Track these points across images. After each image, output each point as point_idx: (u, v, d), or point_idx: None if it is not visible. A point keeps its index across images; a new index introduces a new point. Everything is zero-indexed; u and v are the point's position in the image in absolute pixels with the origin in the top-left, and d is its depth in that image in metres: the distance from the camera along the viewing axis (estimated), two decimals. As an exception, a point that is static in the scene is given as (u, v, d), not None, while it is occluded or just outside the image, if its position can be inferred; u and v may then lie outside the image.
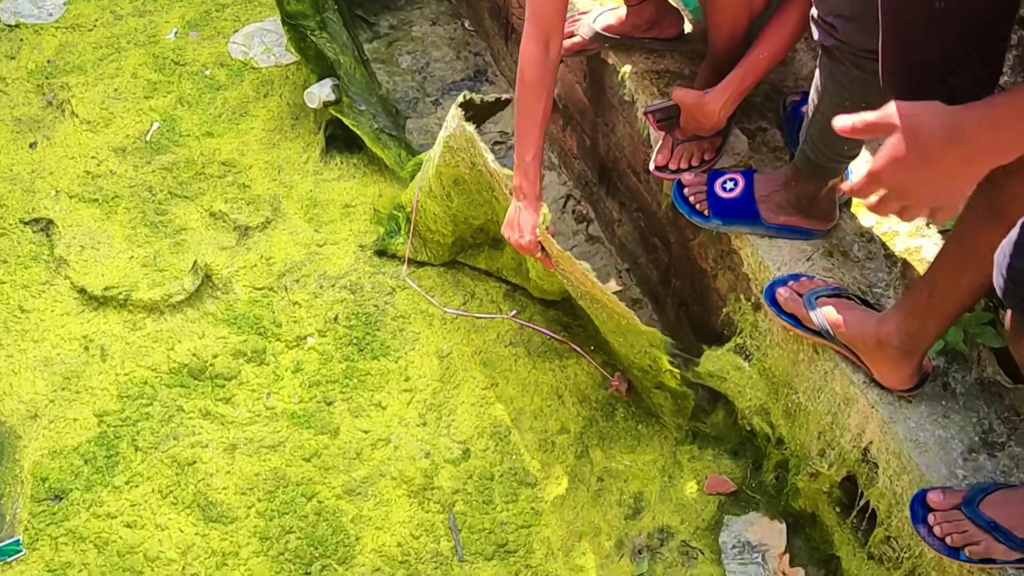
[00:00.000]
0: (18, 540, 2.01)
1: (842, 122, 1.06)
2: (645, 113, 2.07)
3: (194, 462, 2.13)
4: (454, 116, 2.18)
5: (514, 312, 2.40)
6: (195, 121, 2.92)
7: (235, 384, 2.27)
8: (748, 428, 2.03)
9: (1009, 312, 1.29)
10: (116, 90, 3.00)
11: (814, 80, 1.64)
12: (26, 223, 2.64)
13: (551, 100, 2.00)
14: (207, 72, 3.06)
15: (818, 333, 1.70)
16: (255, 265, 2.52)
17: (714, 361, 2.02)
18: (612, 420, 2.22)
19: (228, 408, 2.23)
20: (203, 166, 2.78)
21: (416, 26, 3.35)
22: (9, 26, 3.22)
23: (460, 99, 2.19)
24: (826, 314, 1.67)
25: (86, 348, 2.34)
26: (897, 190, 1.05)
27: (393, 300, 2.44)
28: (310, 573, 1.98)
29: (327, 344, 2.35)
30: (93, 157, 2.81)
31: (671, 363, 2.00)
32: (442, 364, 2.32)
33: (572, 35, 2.26)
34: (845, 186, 1.13)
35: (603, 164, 2.52)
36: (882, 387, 1.66)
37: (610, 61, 2.27)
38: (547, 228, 2.00)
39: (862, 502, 1.76)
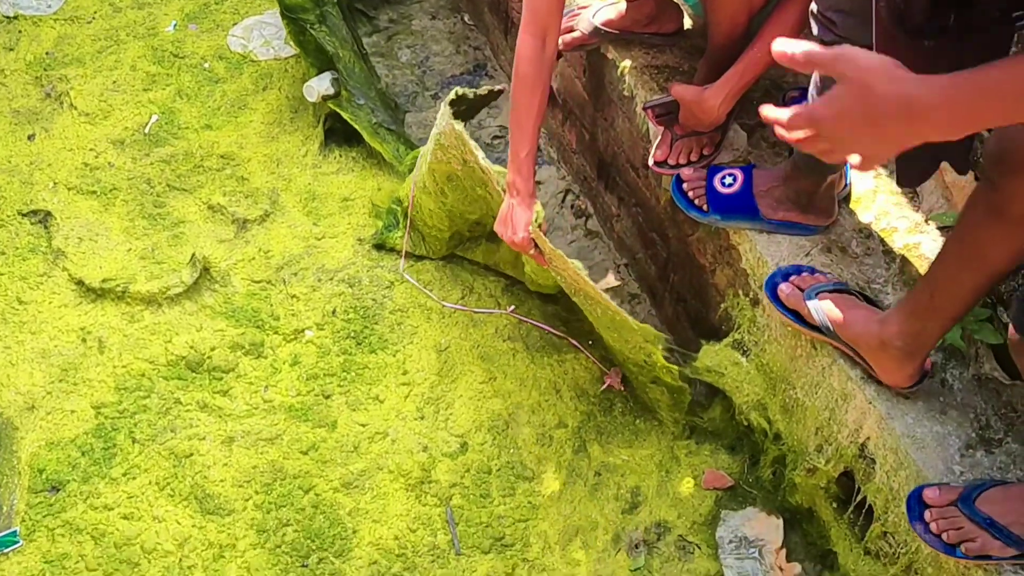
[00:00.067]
0: (15, 531, 2.01)
1: (781, 46, 0.98)
2: (644, 108, 2.07)
3: (191, 454, 2.13)
4: (443, 114, 2.18)
5: (512, 307, 2.40)
6: (194, 114, 2.91)
7: (233, 377, 2.27)
8: (745, 423, 2.04)
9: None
10: (115, 82, 2.99)
11: (813, 76, 1.64)
12: (24, 215, 2.63)
13: (546, 96, 1.99)
14: (206, 65, 3.06)
15: (819, 330, 1.70)
16: (253, 258, 2.52)
17: (712, 356, 2.02)
18: (610, 415, 2.22)
19: (226, 401, 2.23)
20: (202, 159, 2.78)
21: (416, 20, 3.35)
22: (8, 17, 3.21)
23: (451, 96, 2.19)
24: (828, 312, 1.66)
25: (84, 340, 2.34)
26: (831, 139, 1.00)
27: (391, 294, 2.44)
28: (307, 566, 1.98)
29: (325, 337, 2.35)
30: (91, 149, 2.80)
31: (666, 359, 2.00)
32: (440, 358, 2.32)
33: (571, 30, 2.25)
34: (771, 111, 1.03)
35: (602, 159, 2.52)
36: (880, 383, 1.66)
37: (609, 56, 2.27)
38: (540, 225, 2.00)
39: (859, 498, 1.76)
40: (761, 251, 1.87)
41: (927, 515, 1.50)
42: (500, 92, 2.33)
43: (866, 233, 1.89)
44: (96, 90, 2.96)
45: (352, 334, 2.36)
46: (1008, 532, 1.42)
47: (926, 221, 1.88)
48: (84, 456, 2.13)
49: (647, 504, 2.07)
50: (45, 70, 3.04)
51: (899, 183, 1.45)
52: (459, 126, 2.12)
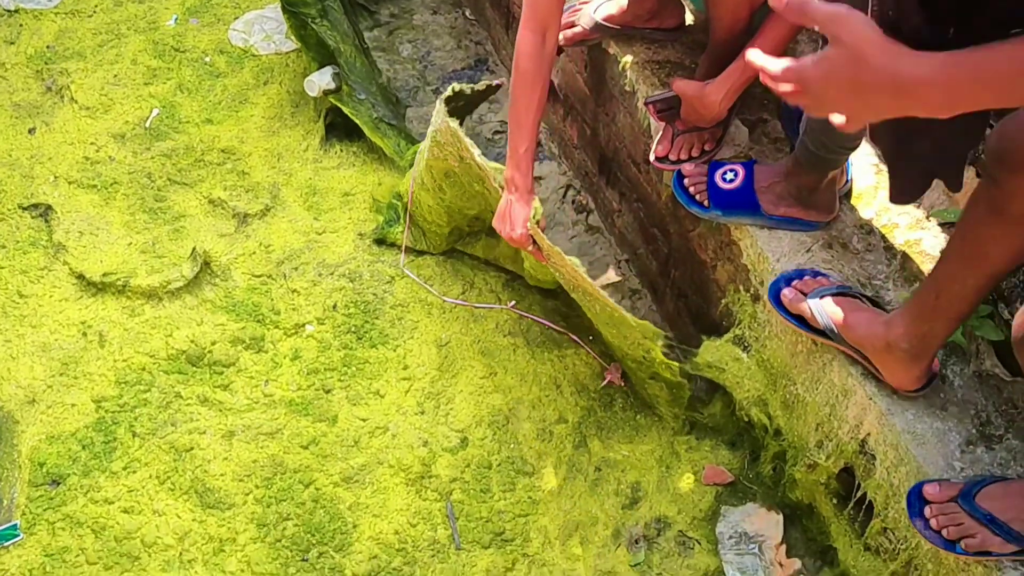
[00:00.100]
0: (15, 525, 2.01)
1: None
2: (646, 103, 2.07)
3: (192, 448, 2.13)
4: (439, 111, 2.18)
5: (513, 303, 2.40)
6: (195, 108, 2.91)
7: (233, 371, 2.27)
8: (746, 419, 2.04)
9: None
10: (116, 76, 2.99)
11: None
12: (25, 208, 2.63)
13: (546, 92, 1.99)
14: (207, 59, 3.05)
15: (824, 334, 1.69)
16: (254, 252, 2.51)
17: (712, 352, 2.02)
18: (610, 410, 2.22)
19: (226, 395, 2.23)
20: (202, 153, 2.78)
21: (417, 15, 3.34)
22: (8, 11, 3.21)
23: (448, 92, 2.19)
24: (832, 315, 1.65)
25: (84, 334, 2.34)
26: (816, 98, 1.00)
27: (392, 289, 2.44)
28: (307, 560, 1.98)
29: (325, 332, 2.35)
30: (92, 143, 2.80)
31: (666, 355, 2.00)
32: (441, 353, 2.32)
33: (573, 25, 2.25)
34: (758, 57, 1.02)
35: (603, 154, 2.52)
36: (881, 380, 1.66)
37: (611, 51, 2.27)
38: (538, 221, 2.00)
39: (859, 494, 1.76)
40: (762, 247, 1.87)
41: (927, 511, 1.50)
42: (498, 87, 2.32)
43: (867, 229, 1.89)
44: (97, 84, 2.96)
45: (353, 329, 2.36)
46: (1008, 528, 1.42)
47: (927, 217, 1.88)
48: (84, 450, 2.13)
49: (647, 499, 2.07)
50: (46, 64, 3.04)
51: (892, 200, 1.45)
52: (454, 123, 2.11)
